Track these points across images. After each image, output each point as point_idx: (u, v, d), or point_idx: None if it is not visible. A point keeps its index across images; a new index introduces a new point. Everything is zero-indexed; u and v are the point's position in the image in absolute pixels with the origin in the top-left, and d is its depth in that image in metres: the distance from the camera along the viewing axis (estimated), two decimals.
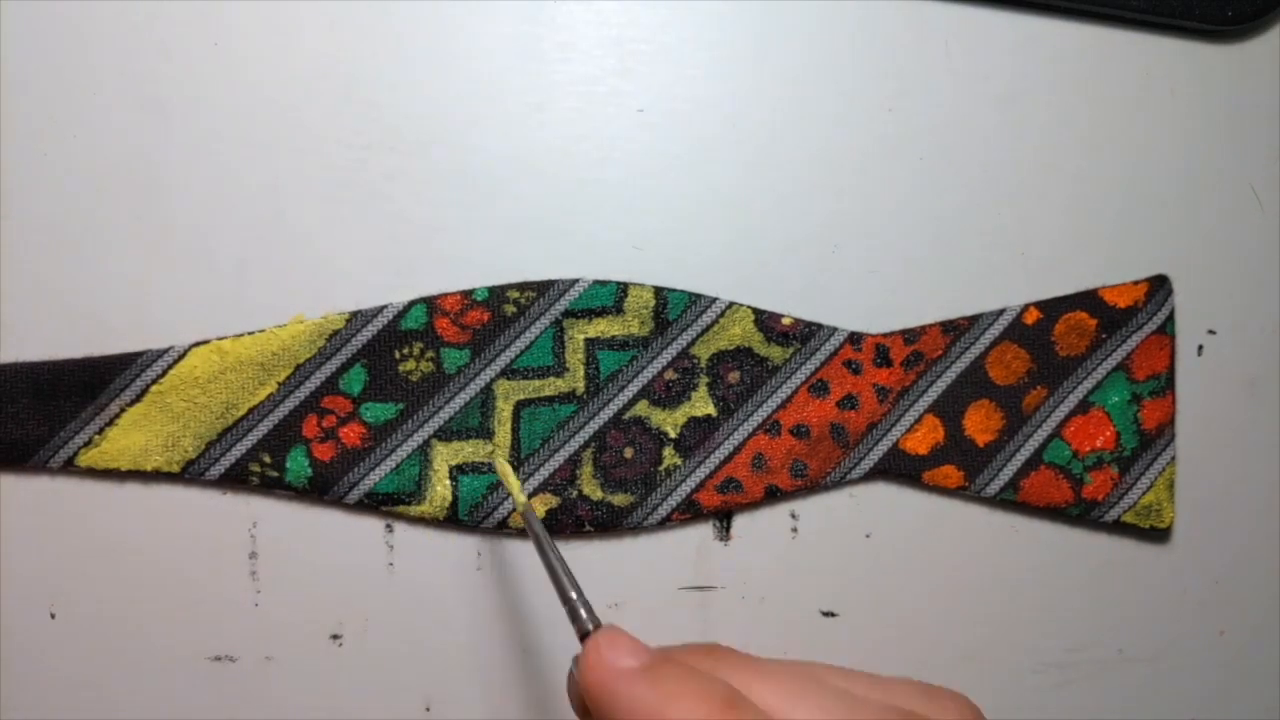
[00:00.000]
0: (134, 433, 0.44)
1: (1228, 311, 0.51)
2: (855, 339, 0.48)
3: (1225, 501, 0.50)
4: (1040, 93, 0.50)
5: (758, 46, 0.49)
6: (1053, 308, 0.49)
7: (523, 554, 0.47)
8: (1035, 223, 0.50)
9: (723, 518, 0.48)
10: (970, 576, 0.49)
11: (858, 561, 0.48)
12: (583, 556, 0.47)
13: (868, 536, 0.48)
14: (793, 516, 0.48)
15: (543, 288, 0.47)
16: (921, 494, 0.49)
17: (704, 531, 0.48)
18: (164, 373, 0.44)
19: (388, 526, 0.46)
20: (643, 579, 0.48)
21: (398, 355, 0.46)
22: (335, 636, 0.46)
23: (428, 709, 0.47)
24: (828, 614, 0.48)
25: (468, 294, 0.46)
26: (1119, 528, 0.49)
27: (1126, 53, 0.51)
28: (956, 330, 0.48)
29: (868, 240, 0.49)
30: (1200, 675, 0.50)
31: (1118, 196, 0.50)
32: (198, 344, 0.45)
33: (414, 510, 0.46)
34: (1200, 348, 0.50)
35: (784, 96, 0.49)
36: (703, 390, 0.47)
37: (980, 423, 0.48)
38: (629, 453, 0.47)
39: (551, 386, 0.47)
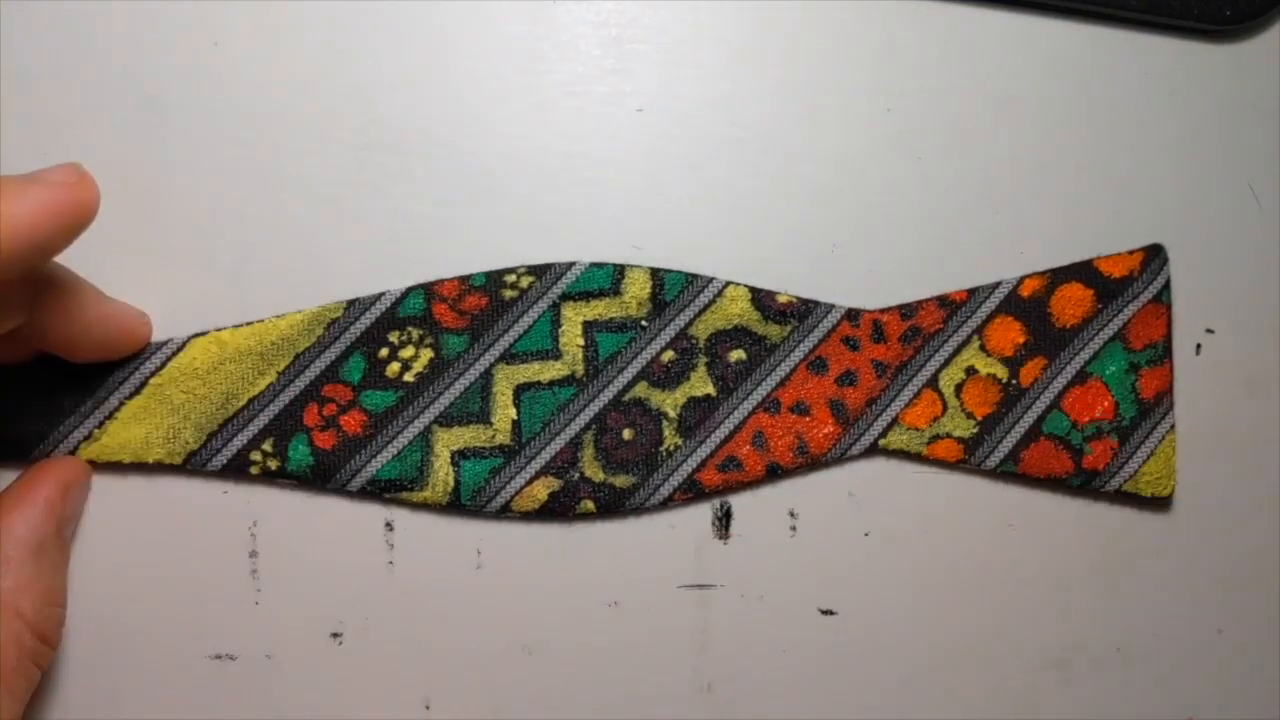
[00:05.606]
0: (134, 425, 0.45)
1: (1226, 310, 0.51)
2: (853, 315, 0.48)
3: (1224, 501, 0.50)
4: (1038, 93, 0.50)
5: (757, 46, 0.49)
6: (1048, 279, 0.49)
7: (523, 551, 0.47)
8: (1033, 222, 0.50)
9: (722, 516, 0.48)
10: (969, 575, 0.49)
11: (857, 560, 0.48)
12: (581, 554, 0.47)
13: (866, 535, 0.48)
14: (792, 515, 0.48)
15: (540, 271, 0.47)
16: (920, 493, 0.49)
17: (703, 530, 0.48)
18: (163, 364, 0.45)
19: (388, 525, 0.46)
20: (642, 577, 0.47)
21: (396, 341, 0.46)
22: (335, 635, 0.46)
23: (427, 708, 0.47)
24: (827, 612, 0.48)
25: (465, 279, 0.46)
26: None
27: (1125, 53, 0.51)
28: (953, 305, 0.48)
29: (867, 240, 0.49)
30: (1198, 674, 0.50)
31: (1115, 196, 0.50)
32: (196, 335, 0.45)
33: (416, 497, 0.46)
34: (1199, 347, 0.50)
35: (783, 96, 0.49)
36: (702, 370, 0.47)
37: (979, 395, 0.48)
38: (629, 434, 0.47)
39: (551, 370, 0.47)
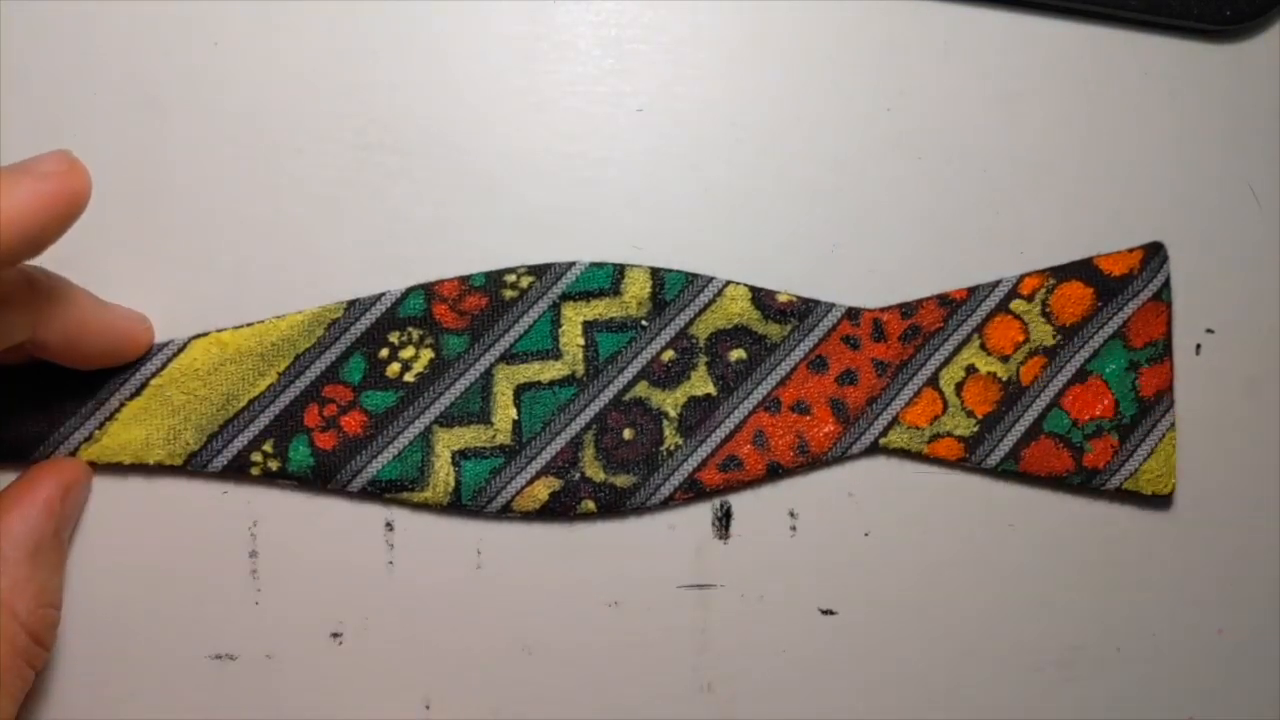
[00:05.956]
0: (134, 427, 0.44)
1: (1226, 310, 0.51)
2: (853, 314, 0.48)
3: (1224, 501, 0.50)
4: (1038, 92, 0.50)
5: (757, 46, 0.49)
6: (1049, 278, 0.49)
7: (523, 551, 0.47)
8: (1033, 222, 0.50)
9: (722, 516, 0.48)
10: (969, 575, 0.49)
11: (857, 560, 0.48)
12: (581, 554, 0.47)
13: (866, 535, 0.48)
14: (791, 515, 0.48)
15: (540, 271, 0.47)
16: (921, 493, 0.49)
17: (703, 530, 0.48)
18: (164, 366, 0.45)
19: (388, 525, 0.46)
20: (642, 577, 0.47)
21: (396, 342, 0.46)
22: (335, 635, 0.46)
23: (427, 708, 0.47)
24: (827, 612, 0.48)
25: (465, 279, 0.46)
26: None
27: (1124, 52, 0.51)
28: (953, 303, 0.48)
29: (867, 240, 0.49)
30: (1198, 673, 0.50)
31: (1115, 196, 0.50)
32: (197, 336, 0.45)
33: (417, 497, 0.46)
34: (1199, 347, 0.50)
35: (783, 96, 0.49)
36: (702, 369, 0.47)
37: (979, 394, 0.48)
38: (629, 434, 0.47)
39: (551, 370, 0.47)
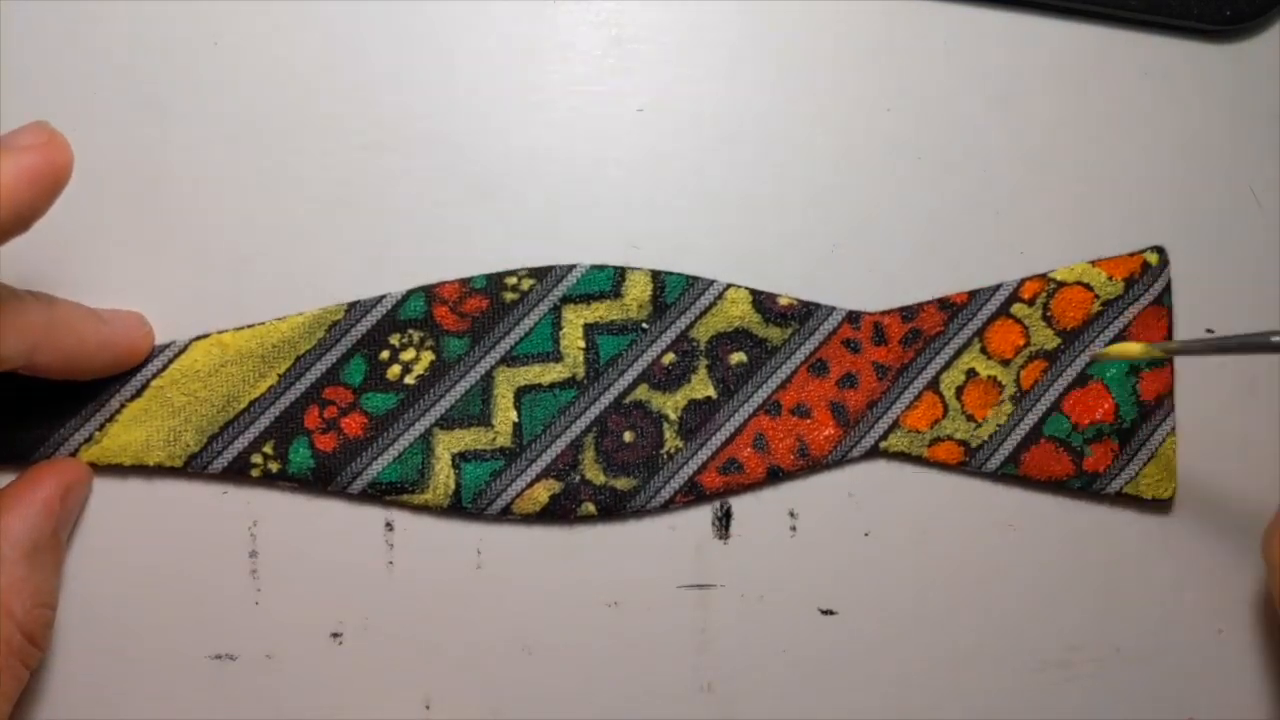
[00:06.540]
0: (135, 428, 0.44)
1: (1227, 311, 0.50)
2: (853, 318, 0.48)
3: (1224, 501, 0.50)
4: (1038, 92, 0.50)
5: (757, 46, 0.49)
6: (1049, 281, 0.49)
7: (523, 551, 0.47)
8: (1033, 223, 0.50)
9: (722, 516, 0.48)
10: (969, 575, 0.49)
11: (857, 560, 0.48)
12: (581, 555, 0.47)
13: (866, 535, 0.48)
14: (791, 515, 0.48)
15: (540, 274, 0.47)
16: (920, 493, 0.49)
17: (703, 530, 0.48)
18: (164, 367, 0.45)
19: (388, 525, 0.46)
20: (642, 577, 0.47)
21: (397, 344, 0.46)
22: (335, 635, 0.46)
23: (427, 708, 0.47)
24: (827, 612, 0.48)
25: (466, 282, 0.46)
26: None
27: (1124, 53, 0.51)
28: (954, 307, 0.48)
29: (866, 240, 0.49)
30: (1198, 674, 0.50)
31: (1115, 196, 0.50)
32: (198, 338, 0.45)
33: (417, 499, 0.46)
34: None
35: (783, 96, 0.49)
36: (702, 372, 0.47)
37: (979, 398, 0.48)
38: (630, 436, 0.47)
39: (552, 373, 0.47)
